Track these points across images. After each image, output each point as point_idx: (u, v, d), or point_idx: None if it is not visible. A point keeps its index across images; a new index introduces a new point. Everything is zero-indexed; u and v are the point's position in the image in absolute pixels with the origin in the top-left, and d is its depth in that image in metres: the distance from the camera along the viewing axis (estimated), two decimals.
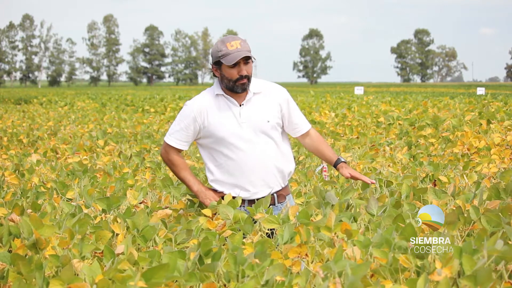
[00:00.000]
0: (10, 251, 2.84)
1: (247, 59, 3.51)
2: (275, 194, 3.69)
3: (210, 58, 3.63)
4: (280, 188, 3.71)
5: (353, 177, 3.67)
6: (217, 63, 3.54)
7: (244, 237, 3.12)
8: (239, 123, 3.58)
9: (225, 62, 3.48)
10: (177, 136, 3.65)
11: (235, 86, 3.53)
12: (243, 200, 3.64)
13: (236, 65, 3.49)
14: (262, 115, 3.61)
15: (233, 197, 3.59)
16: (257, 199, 3.61)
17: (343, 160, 3.73)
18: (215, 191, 3.66)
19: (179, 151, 3.70)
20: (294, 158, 5.45)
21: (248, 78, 3.53)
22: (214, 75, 3.63)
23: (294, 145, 8.09)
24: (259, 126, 3.60)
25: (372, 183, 3.68)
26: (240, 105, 3.59)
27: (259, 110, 3.61)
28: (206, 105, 3.60)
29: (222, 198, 3.58)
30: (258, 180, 3.61)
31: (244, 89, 3.54)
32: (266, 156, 3.61)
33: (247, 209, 3.54)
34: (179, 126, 3.64)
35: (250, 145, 3.58)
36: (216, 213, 3.44)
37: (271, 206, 3.57)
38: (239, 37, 3.53)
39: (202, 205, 3.67)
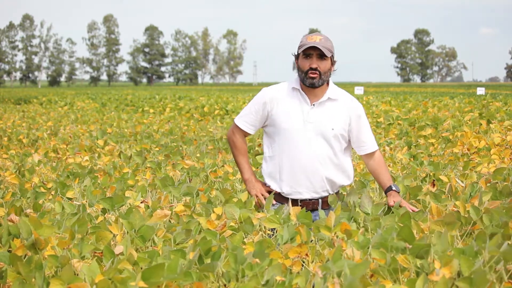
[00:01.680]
0: (9, 251, 2.84)
1: (321, 55, 3.53)
2: (320, 200, 3.68)
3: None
4: (327, 195, 3.70)
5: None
6: (298, 55, 3.61)
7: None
8: (304, 121, 3.61)
9: (299, 50, 3.57)
10: (246, 118, 3.74)
11: (305, 78, 3.57)
12: (286, 198, 3.65)
13: (308, 56, 3.54)
14: (329, 121, 3.61)
15: (278, 193, 3.65)
16: (301, 201, 3.63)
17: (394, 188, 3.66)
18: (264, 184, 3.72)
19: (245, 134, 3.78)
20: None
21: (320, 74, 3.54)
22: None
23: None
24: (322, 130, 3.60)
25: (413, 211, 3.48)
26: (312, 105, 3.62)
27: (328, 115, 3.62)
28: (279, 95, 3.66)
29: (269, 193, 3.63)
30: (305, 181, 3.62)
31: (313, 84, 3.56)
32: (319, 161, 3.61)
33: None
34: (250, 109, 3.73)
35: (308, 145, 3.60)
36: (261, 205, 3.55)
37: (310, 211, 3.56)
38: (324, 35, 3.57)
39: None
